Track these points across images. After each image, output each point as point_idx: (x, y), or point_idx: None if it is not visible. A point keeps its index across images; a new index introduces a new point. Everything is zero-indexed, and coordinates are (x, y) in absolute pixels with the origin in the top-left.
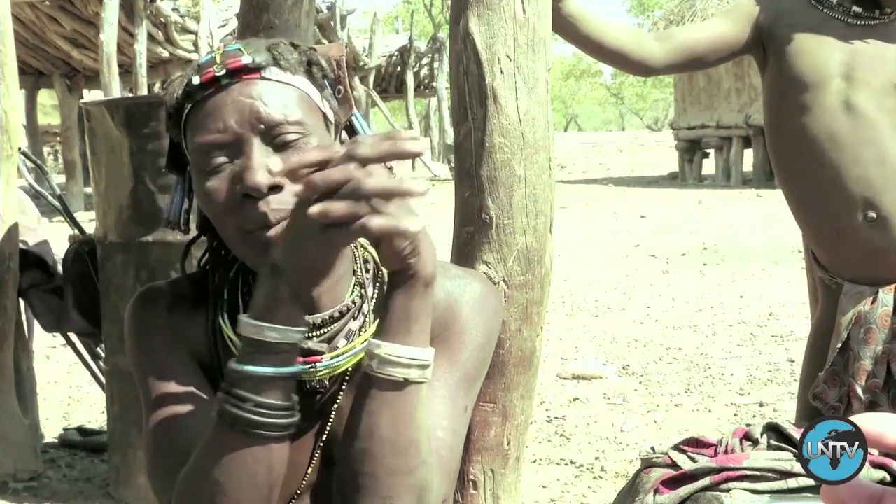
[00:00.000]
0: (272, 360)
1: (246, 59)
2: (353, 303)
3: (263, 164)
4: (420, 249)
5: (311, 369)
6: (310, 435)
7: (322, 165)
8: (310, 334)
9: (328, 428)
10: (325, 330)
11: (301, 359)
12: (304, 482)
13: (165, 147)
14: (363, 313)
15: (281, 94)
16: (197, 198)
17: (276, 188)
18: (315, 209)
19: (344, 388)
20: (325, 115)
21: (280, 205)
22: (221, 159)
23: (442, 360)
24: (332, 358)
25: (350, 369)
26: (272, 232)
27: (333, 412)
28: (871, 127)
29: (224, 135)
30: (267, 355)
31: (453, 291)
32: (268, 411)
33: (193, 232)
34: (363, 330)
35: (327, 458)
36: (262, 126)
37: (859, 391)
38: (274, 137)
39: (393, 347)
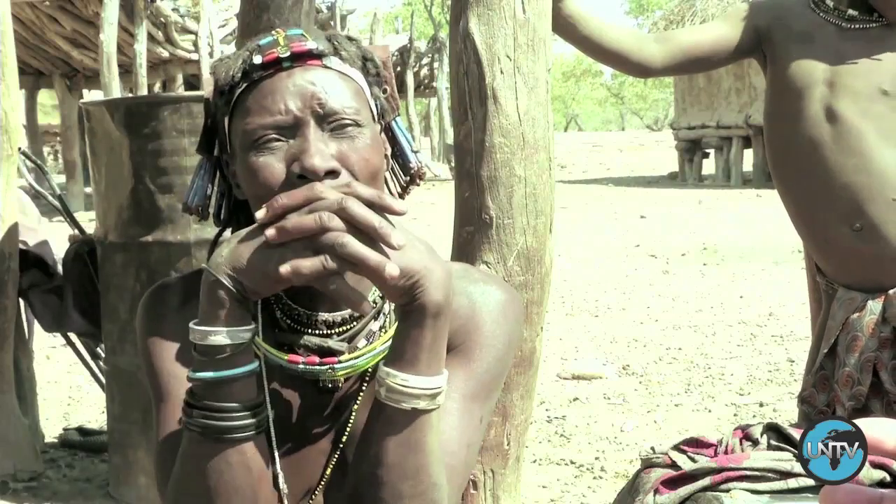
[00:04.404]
0: (222, 364)
1: (311, 45)
2: (375, 303)
3: (321, 147)
4: (424, 282)
5: (330, 370)
6: (328, 433)
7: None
8: (329, 332)
9: (349, 427)
10: (346, 328)
11: (317, 358)
12: (322, 482)
13: (165, 147)
14: (384, 313)
15: (340, 84)
16: (242, 177)
17: (332, 173)
18: (284, 268)
19: (364, 387)
20: (373, 112)
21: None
22: (277, 140)
23: (459, 369)
24: (351, 359)
25: (371, 368)
26: None
27: (354, 411)
28: (854, 135)
29: (284, 117)
30: (217, 359)
31: (476, 299)
32: (228, 414)
33: (209, 223)
34: (384, 330)
35: (345, 457)
36: (322, 112)
37: (843, 398)
38: (330, 125)
39: (401, 377)
